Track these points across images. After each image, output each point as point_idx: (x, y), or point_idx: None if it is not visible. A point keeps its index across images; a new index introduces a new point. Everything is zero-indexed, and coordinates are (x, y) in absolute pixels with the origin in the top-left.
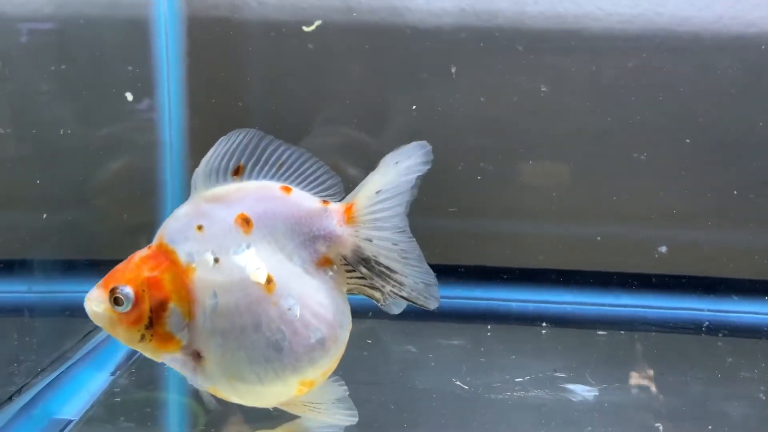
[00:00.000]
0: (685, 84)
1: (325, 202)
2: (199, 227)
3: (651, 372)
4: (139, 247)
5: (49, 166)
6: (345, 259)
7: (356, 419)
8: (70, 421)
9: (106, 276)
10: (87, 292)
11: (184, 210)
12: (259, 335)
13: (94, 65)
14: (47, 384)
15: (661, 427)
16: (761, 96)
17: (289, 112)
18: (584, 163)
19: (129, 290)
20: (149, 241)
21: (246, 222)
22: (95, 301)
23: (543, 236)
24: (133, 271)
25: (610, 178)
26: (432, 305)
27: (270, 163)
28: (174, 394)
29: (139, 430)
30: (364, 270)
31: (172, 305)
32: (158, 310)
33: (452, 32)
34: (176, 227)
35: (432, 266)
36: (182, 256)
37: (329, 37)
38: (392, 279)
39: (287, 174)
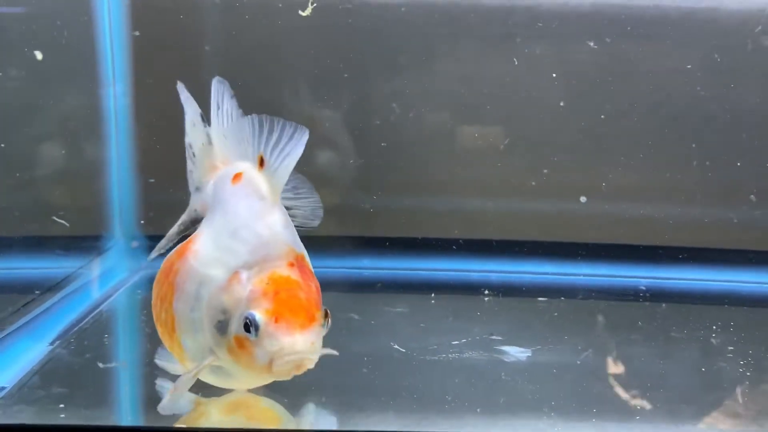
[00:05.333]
0: (641, 60)
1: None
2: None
3: (585, 334)
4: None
5: None
6: None
7: None
8: (2, 388)
9: (296, 316)
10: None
11: (277, 216)
12: None
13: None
14: None
15: (585, 384)
16: (717, 72)
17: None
18: (530, 137)
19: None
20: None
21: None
22: (315, 337)
23: (488, 209)
24: (313, 293)
25: (556, 151)
26: (316, 223)
27: None
28: (113, 363)
29: (74, 398)
30: None
31: None
32: None
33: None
34: (290, 230)
35: (380, 239)
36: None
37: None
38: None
39: None
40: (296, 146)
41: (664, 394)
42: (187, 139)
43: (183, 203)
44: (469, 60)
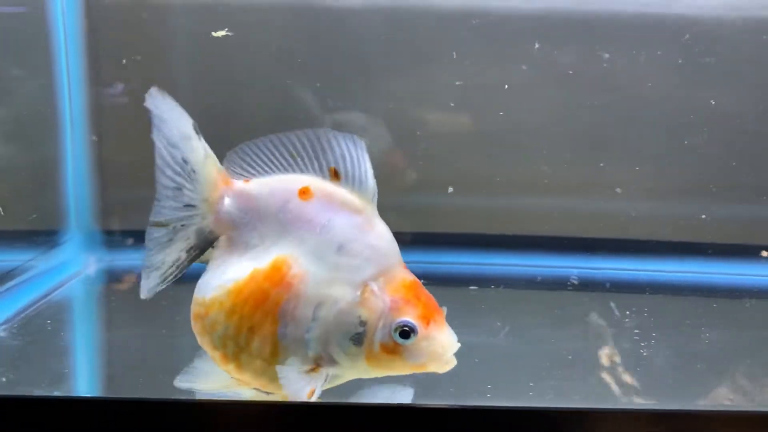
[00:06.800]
0: (610, 60)
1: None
2: None
3: (505, 320)
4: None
5: None
6: None
7: None
8: None
9: (439, 314)
10: None
11: (382, 225)
12: None
13: None
14: None
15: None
16: (668, 72)
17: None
18: (483, 133)
19: None
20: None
21: None
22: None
23: (439, 203)
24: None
25: (506, 146)
26: None
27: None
28: (58, 348)
29: (16, 378)
30: None
31: None
32: None
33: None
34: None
35: None
36: None
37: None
38: None
39: None
40: (361, 151)
41: (563, 372)
42: (178, 153)
43: (140, 198)
44: (440, 58)
